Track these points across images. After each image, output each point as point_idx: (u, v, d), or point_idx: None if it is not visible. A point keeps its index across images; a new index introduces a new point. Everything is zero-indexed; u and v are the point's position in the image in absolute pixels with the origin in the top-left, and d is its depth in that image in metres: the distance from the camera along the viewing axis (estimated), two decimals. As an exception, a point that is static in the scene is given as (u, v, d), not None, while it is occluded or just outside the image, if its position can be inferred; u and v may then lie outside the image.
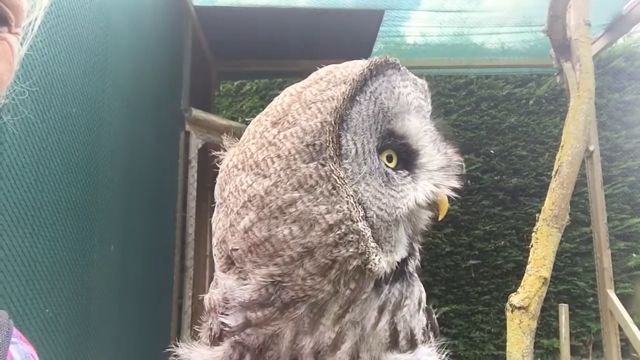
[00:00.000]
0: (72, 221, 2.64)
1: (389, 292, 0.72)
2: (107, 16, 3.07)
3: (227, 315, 0.72)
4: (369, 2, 5.02)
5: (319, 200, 0.66)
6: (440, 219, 0.82)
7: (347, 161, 0.69)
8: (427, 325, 0.83)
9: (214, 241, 0.76)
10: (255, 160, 0.70)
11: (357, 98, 0.71)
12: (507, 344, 2.86)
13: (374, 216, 0.70)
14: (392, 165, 0.76)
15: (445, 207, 0.81)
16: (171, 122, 4.40)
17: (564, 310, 4.77)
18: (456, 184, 0.83)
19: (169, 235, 4.20)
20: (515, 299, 2.81)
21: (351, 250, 0.66)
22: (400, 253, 0.74)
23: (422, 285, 0.82)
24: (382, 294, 0.71)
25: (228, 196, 0.73)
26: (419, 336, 0.76)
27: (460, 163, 0.84)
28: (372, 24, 5.24)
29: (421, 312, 0.79)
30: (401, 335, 0.73)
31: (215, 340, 0.75)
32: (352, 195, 0.67)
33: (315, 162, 0.67)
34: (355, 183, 0.69)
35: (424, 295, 0.81)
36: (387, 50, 6.27)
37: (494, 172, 7.10)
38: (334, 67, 0.76)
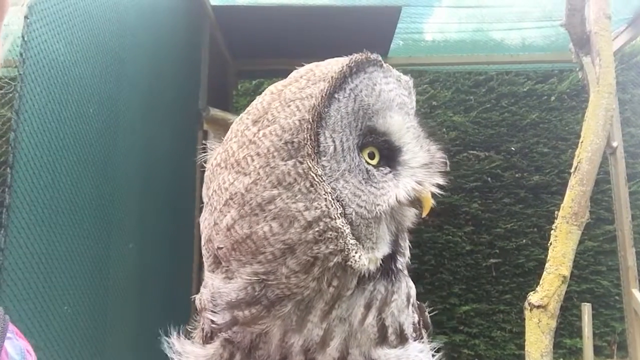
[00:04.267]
0: (89, 220, 2.67)
1: (374, 289, 0.72)
2: (123, 17, 3.10)
3: (215, 312, 0.73)
4: (386, -1, 5.00)
5: (297, 198, 0.67)
6: (423, 216, 0.81)
7: (325, 158, 0.69)
8: (419, 322, 0.83)
9: (202, 241, 0.77)
10: (236, 159, 0.71)
11: (336, 95, 0.71)
12: (525, 343, 2.82)
13: (353, 213, 0.70)
14: (374, 162, 0.75)
15: (428, 204, 0.79)
16: (189, 121, 4.43)
17: (587, 309, 4.69)
18: (440, 180, 0.82)
19: (187, 233, 4.23)
20: (533, 297, 2.77)
21: (331, 247, 0.67)
22: (383, 250, 0.74)
23: (410, 280, 0.81)
24: (366, 291, 0.71)
25: (212, 195, 0.74)
26: (409, 331, 0.76)
27: (443, 160, 0.82)
28: (390, 21, 5.20)
29: (410, 307, 0.78)
30: (389, 330, 0.73)
31: (207, 339, 0.76)
32: (330, 193, 0.68)
33: (294, 160, 0.67)
34: (334, 180, 0.70)
35: (413, 290, 0.81)
36: (406, 47, 6.22)
37: (515, 169, 7.00)
38: (315, 65, 0.76)
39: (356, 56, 0.73)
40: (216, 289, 0.73)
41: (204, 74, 4.67)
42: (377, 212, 0.73)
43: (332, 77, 0.71)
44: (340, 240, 0.67)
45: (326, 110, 0.70)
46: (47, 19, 2.29)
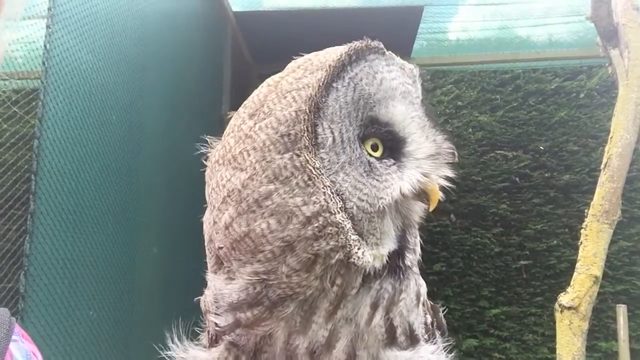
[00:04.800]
0: (113, 225, 2.70)
1: (381, 288, 0.68)
2: (145, 24, 3.14)
3: (218, 315, 0.71)
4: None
5: (294, 192, 0.64)
6: (431, 210, 0.76)
7: (323, 150, 0.67)
8: (432, 323, 0.79)
9: (205, 242, 0.75)
10: (233, 154, 0.68)
11: (334, 85, 0.68)
12: (556, 346, 2.74)
13: (354, 207, 0.67)
14: (377, 154, 0.72)
15: (435, 196, 0.75)
16: (212, 127, 4.46)
17: (622, 311, 4.55)
18: (448, 172, 0.77)
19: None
20: (564, 298, 2.69)
21: (332, 243, 0.64)
22: (388, 246, 0.70)
23: (420, 278, 0.77)
24: (372, 290, 0.68)
25: (211, 193, 0.72)
26: (419, 331, 0.72)
27: (451, 150, 0.78)
28: (412, 21, 5.17)
29: (420, 306, 0.74)
30: (399, 330, 0.69)
31: (212, 342, 0.74)
32: (329, 186, 0.65)
33: (290, 153, 0.65)
34: (333, 173, 0.67)
35: (423, 289, 0.77)
36: (429, 47, 6.17)
37: (544, 168, 6.85)
38: (314, 54, 0.74)
39: (356, 44, 0.70)
40: (218, 290, 0.71)
41: (226, 79, 4.71)
42: (380, 206, 0.69)
43: (329, 65, 0.68)
44: (342, 236, 0.64)
45: (324, 100, 0.67)
46: (68, 27, 2.33)
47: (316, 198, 0.64)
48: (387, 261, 0.69)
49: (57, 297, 2.21)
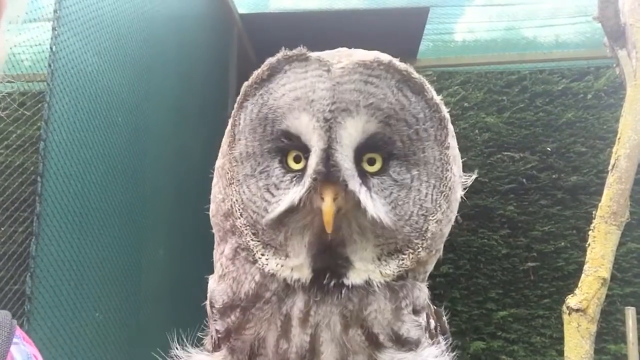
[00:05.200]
0: (119, 227, 2.70)
1: (343, 301, 0.69)
2: (151, 26, 3.14)
3: (216, 321, 0.75)
4: (413, 0, 4.95)
5: (221, 190, 0.76)
6: (328, 231, 0.67)
7: (235, 163, 0.75)
8: (436, 327, 0.79)
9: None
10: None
11: (245, 104, 0.74)
12: (564, 348, 2.72)
13: (250, 218, 0.73)
14: (299, 166, 0.71)
15: (324, 215, 0.67)
16: (218, 129, 4.46)
17: (630, 313, 4.51)
18: (330, 194, 0.68)
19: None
20: (572, 301, 2.67)
21: (240, 241, 0.72)
22: (298, 260, 0.70)
23: (418, 288, 0.75)
24: (334, 301, 0.69)
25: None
26: (411, 335, 0.72)
27: (316, 170, 0.69)
28: (417, 22, 5.16)
29: (410, 315, 0.73)
30: (381, 337, 0.70)
31: (215, 347, 0.76)
32: (233, 194, 0.74)
33: (224, 159, 0.77)
34: (239, 184, 0.74)
35: (420, 299, 0.75)
36: (435, 48, 6.15)
37: (551, 170, 6.82)
38: None
39: (272, 59, 0.72)
40: (210, 292, 0.76)
41: (232, 80, 4.72)
42: (267, 221, 0.71)
43: (245, 85, 0.74)
44: (244, 239, 0.72)
45: (238, 117, 0.75)
46: (74, 30, 2.34)
47: (228, 200, 0.75)
48: (313, 276, 0.69)
49: (63, 298, 2.22)
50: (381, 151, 0.71)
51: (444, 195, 0.73)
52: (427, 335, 0.75)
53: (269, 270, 0.70)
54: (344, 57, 0.70)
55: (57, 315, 2.18)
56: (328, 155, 0.67)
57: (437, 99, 0.73)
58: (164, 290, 3.25)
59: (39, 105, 2.90)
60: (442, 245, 0.77)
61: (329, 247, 0.69)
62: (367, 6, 5.10)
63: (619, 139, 2.68)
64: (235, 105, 0.74)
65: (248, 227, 0.73)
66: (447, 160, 0.72)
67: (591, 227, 2.72)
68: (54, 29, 2.21)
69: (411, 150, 0.71)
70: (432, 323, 0.78)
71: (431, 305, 0.81)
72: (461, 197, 0.78)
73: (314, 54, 0.70)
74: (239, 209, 0.74)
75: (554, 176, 6.80)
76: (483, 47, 6.09)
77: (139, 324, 2.89)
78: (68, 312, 2.25)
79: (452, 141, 0.75)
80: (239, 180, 0.75)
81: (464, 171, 0.78)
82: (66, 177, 2.25)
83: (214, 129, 4.40)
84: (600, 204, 2.71)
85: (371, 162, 0.71)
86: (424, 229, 0.72)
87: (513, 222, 6.77)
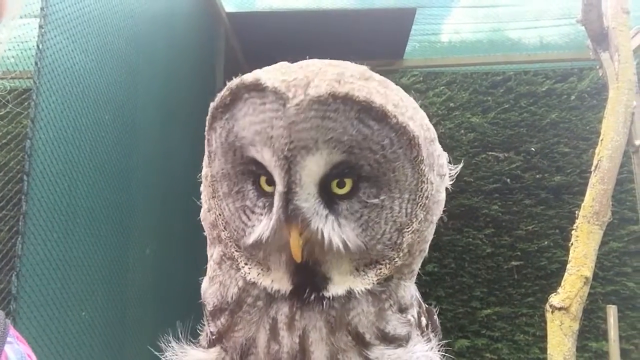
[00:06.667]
0: (106, 226, 2.69)
1: (328, 307, 0.70)
2: (138, 24, 3.13)
3: (209, 322, 0.77)
4: (400, 1, 4.97)
5: (207, 199, 0.79)
6: (298, 261, 0.69)
7: (215, 180, 0.77)
8: (427, 325, 0.81)
9: None
10: None
11: (214, 125, 0.74)
12: (547, 346, 2.76)
13: (233, 232, 0.75)
14: (271, 189, 0.71)
15: (291, 248, 0.68)
16: (205, 127, 4.45)
17: (612, 312, 4.57)
18: (295, 233, 0.69)
19: (205, 239, 4.24)
20: (555, 299, 2.72)
21: (224, 250, 0.75)
22: (279, 274, 0.72)
23: (407, 287, 0.77)
24: (317, 308, 0.70)
25: None
26: (398, 332, 0.73)
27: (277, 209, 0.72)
28: (404, 23, 5.18)
29: (396, 312, 0.74)
30: (367, 336, 0.71)
31: (211, 344, 0.77)
32: (216, 208, 0.77)
33: (207, 170, 0.80)
34: (221, 200, 0.77)
35: (405, 298, 0.76)
36: (422, 48, 6.19)
37: (535, 170, 6.89)
38: None
39: (232, 84, 0.71)
40: (203, 292, 0.78)
41: (219, 80, 4.70)
42: (244, 245, 0.73)
43: (212, 107, 0.74)
44: (227, 249, 0.74)
45: (210, 137, 0.76)
46: (61, 27, 2.32)
47: (212, 212, 0.77)
48: (295, 287, 0.71)
49: (49, 298, 2.20)
50: (349, 176, 0.69)
51: (420, 205, 0.71)
52: (419, 331, 0.77)
53: (250, 279, 0.72)
54: (300, 90, 0.65)
55: (43, 315, 2.17)
56: (289, 198, 0.67)
57: (404, 119, 0.67)
58: (150, 289, 3.24)
59: (25, 104, 2.88)
60: (426, 246, 0.76)
61: (305, 266, 0.70)
62: (355, 6, 5.12)
63: (602, 140, 2.73)
64: (206, 125, 0.75)
65: (232, 240, 0.74)
66: (421, 173, 0.69)
67: (574, 227, 2.77)
68: (40, 26, 2.19)
69: (381, 171, 0.69)
70: (424, 320, 0.80)
71: (423, 304, 0.83)
72: (447, 197, 0.79)
73: (270, 83, 0.66)
74: (222, 223, 0.76)
75: (537, 176, 6.87)
76: (469, 48, 6.14)
77: (125, 322, 2.88)
78: (54, 311, 2.24)
79: (430, 147, 0.72)
80: (219, 196, 0.77)
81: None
82: (52, 175, 2.24)
83: (201, 127, 4.38)
84: (583, 204, 2.76)
85: (341, 184, 0.69)
86: (398, 242, 0.71)
87: (497, 222, 6.83)
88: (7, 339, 0.69)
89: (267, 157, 0.68)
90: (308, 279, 0.70)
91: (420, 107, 0.76)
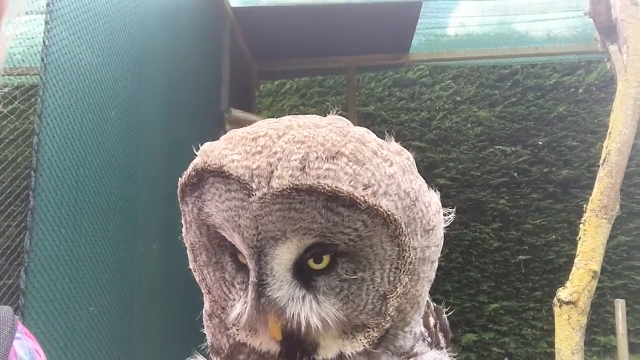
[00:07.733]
0: (113, 221, 2.70)
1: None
2: (144, 20, 3.13)
3: (211, 352, 0.77)
4: (406, -5, 4.95)
5: (190, 260, 0.77)
6: (279, 340, 0.69)
7: (193, 247, 0.76)
8: (435, 325, 0.79)
9: None
10: None
11: (185, 199, 0.72)
12: (555, 340, 2.75)
13: (215, 299, 0.74)
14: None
15: (270, 332, 0.68)
16: (211, 123, 4.46)
17: (620, 306, 4.57)
18: (273, 324, 0.68)
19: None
20: (563, 293, 2.70)
21: (212, 309, 0.75)
22: (266, 338, 0.70)
23: (406, 336, 0.73)
24: None
25: None
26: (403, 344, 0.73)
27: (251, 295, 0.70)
28: (411, 17, 5.16)
29: (395, 356, 0.72)
30: None
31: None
32: (200, 274, 0.76)
33: (185, 233, 0.78)
34: (202, 268, 0.75)
35: (405, 347, 0.73)
36: (428, 43, 6.16)
37: (543, 164, 6.87)
38: None
39: (199, 164, 0.68)
40: (204, 320, 0.78)
41: (225, 75, 4.70)
42: (227, 316, 0.72)
43: (180, 183, 0.71)
44: (215, 310, 0.74)
45: (183, 209, 0.74)
46: (68, 24, 2.33)
47: (196, 274, 0.77)
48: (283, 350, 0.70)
49: (57, 293, 2.22)
50: (326, 253, 0.66)
51: (404, 271, 0.67)
52: (427, 334, 0.76)
53: (239, 340, 0.71)
54: (263, 181, 0.62)
55: (51, 310, 2.18)
56: (261, 291, 0.65)
57: (376, 201, 0.62)
58: (158, 284, 3.26)
59: (32, 100, 2.89)
60: (421, 299, 0.72)
61: (291, 334, 0.69)
62: (360, 0, 5.10)
63: (610, 133, 2.70)
64: (179, 196, 0.72)
65: (217, 304, 0.73)
66: (402, 245, 0.65)
67: (582, 221, 2.75)
68: (47, 23, 2.20)
69: (357, 248, 0.66)
70: (432, 321, 0.78)
71: (431, 304, 0.81)
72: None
73: (234, 172, 0.63)
74: (206, 288, 0.75)
75: (545, 170, 6.85)
76: (475, 42, 6.10)
77: (132, 317, 2.90)
78: (62, 306, 2.25)
79: (412, 212, 0.66)
80: (200, 264, 0.75)
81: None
82: (60, 171, 2.25)
83: (207, 123, 4.39)
84: (591, 198, 2.74)
85: (317, 260, 0.67)
86: (383, 310, 0.68)
87: (505, 216, 6.82)
88: (15, 334, 0.69)
89: (238, 243, 0.66)
90: (297, 345, 0.69)
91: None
